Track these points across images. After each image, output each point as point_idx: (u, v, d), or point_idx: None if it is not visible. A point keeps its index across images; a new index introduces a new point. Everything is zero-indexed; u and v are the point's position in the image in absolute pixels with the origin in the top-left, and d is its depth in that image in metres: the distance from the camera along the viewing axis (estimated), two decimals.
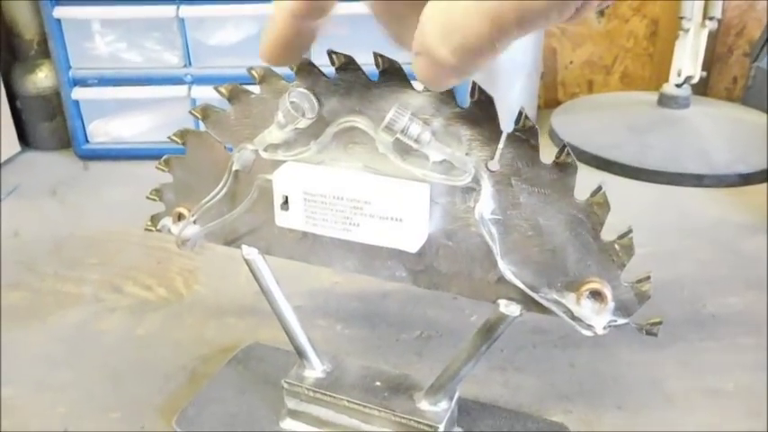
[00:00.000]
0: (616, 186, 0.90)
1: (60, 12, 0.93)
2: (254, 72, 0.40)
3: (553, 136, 1.04)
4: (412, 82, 0.36)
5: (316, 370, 0.48)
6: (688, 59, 0.98)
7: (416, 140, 0.36)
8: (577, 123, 1.06)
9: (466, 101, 0.36)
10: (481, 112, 0.35)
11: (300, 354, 0.48)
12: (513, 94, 1.04)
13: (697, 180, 0.89)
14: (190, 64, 0.97)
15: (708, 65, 1.17)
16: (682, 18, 0.97)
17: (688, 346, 0.58)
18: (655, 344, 0.58)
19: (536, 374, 0.56)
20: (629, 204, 0.84)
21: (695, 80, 1.01)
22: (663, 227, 0.79)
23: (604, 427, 0.50)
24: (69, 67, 0.97)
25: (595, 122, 1.06)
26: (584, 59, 1.26)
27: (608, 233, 0.36)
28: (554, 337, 0.59)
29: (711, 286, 0.67)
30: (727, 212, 0.83)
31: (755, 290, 0.66)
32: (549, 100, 1.28)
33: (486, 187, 0.36)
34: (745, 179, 0.89)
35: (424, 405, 0.45)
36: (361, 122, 0.38)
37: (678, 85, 1.02)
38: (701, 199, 0.86)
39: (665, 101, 1.04)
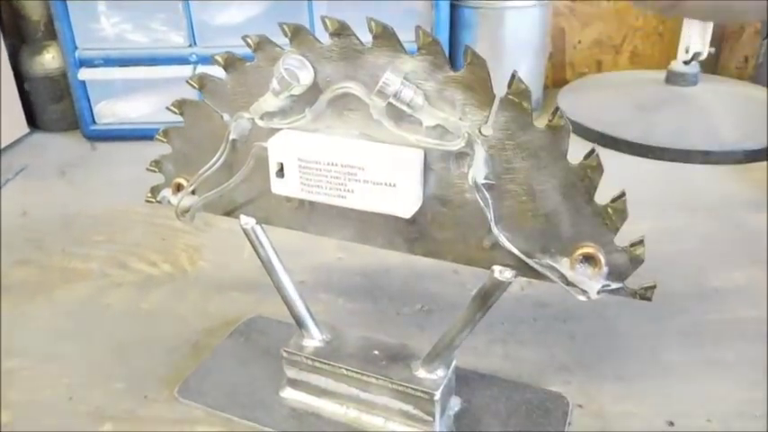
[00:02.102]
0: (623, 164, 0.89)
1: None
2: (248, 40, 0.41)
3: None
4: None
5: (315, 339, 0.48)
6: (696, 35, 0.97)
7: (409, 105, 0.36)
8: (585, 102, 1.05)
9: (459, 65, 0.35)
10: (474, 77, 0.35)
11: (300, 324, 0.49)
12: (519, 72, 1.03)
13: (703, 157, 0.88)
14: (195, 44, 0.97)
15: (718, 43, 1.15)
16: None
17: (690, 319, 0.58)
18: (656, 316, 0.58)
19: (536, 347, 0.56)
20: (636, 181, 0.84)
21: (703, 57, 1.00)
22: (669, 203, 0.78)
23: (604, 397, 0.50)
24: (75, 48, 0.97)
25: (602, 101, 1.05)
26: (593, 39, 1.25)
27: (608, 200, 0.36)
28: (555, 311, 0.59)
29: (716, 260, 0.66)
30: (733, 189, 0.82)
31: (759, 264, 0.65)
32: (558, 80, 1.27)
33: (480, 152, 0.36)
34: (752, 156, 0.88)
35: (421, 373, 0.45)
36: (354, 88, 0.38)
37: (686, 63, 1.01)
38: (708, 175, 0.86)
39: (672, 78, 1.03)
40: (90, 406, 0.50)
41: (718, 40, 1.08)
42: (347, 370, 0.46)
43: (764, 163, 0.88)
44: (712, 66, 1.17)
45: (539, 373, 0.53)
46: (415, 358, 0.46)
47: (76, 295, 0.65)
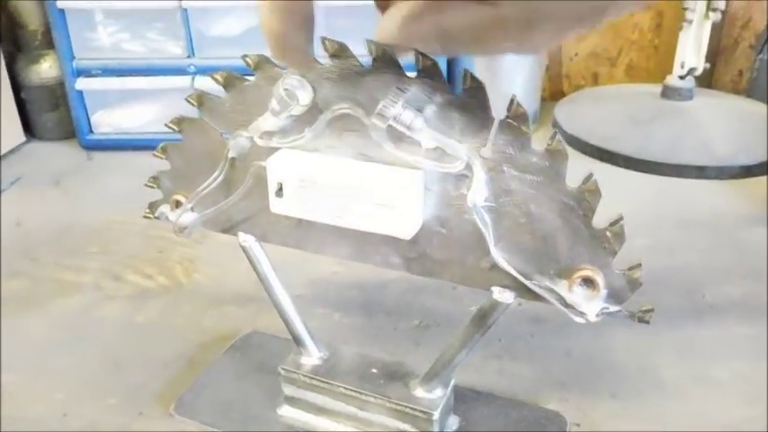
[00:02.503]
0: (619, 178, 0.90)
1: (64, 2, 0.94)
2: (248, 59, 0.41)
3: (557, 127, 1.04)
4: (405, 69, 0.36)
5: (312, 357, 0.48)
6: (691, 51, 0.97)
7: (409, 127, 0.36)
8: (581, 115, 1.06)
9: (458, 88, 0.36)
10: (473, 99, 0.35)
11: (297, 341, 0.48)
12: (514, 87, 1.03)
13: (699, 171, 0.88)
14: (193, 54, 0.97)
15: (713, 57, 1.16)
16: (685, 9, 0.96)
17: (685, 335, 0.58)
18: (652, 333, 0.58)
19: (533, 363, 0.56)
20: (632, 196, 0.84)
21: (699, 72, 1.00)
22: (664, 218, 0.78)
23: (600, 415, 0.50)
24: (73, 58, 0.97)
25: (599, 114, 1.06)
26: (589, 51, 1.26)
27: (605, 223, 0.36)
28: (552, 327, 0.59)
29: (711, 276, 0.67)
30: (729, 204, 0.82)
31: (755, 280, 0.66)
32: (555, 92, 1.27)
33: (479, 174, 0.36)
34: (747, 171, 0.89)
35: (419, 392, 0.45)
36: (354, 109, 0.38)
37: (681, 77, 1.01)
38: (703, 190, 0.86)
39: (668, 93, 1.04)
40: (83, 421, 0.50)
41: (712, 54, 1.09)
42: (345, 388, 0.46)
43: (760, 178, 0.89)
44: (707, 80, 1.17)
45: (535, 389, 0.53)
46: (414, 377, 0.46)
47: (70, 308, 0.64)
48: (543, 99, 1.18)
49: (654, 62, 1.25)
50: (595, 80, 1.28)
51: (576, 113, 1.07)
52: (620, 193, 0.87)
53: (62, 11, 0.94)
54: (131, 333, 0.61)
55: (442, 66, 0.97)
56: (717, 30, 1.05)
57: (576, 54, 1.26)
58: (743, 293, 0.64)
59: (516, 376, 0.54)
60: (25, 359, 0.57)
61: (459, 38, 0.28)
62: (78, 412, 0.51)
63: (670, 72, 1.04)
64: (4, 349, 0.58)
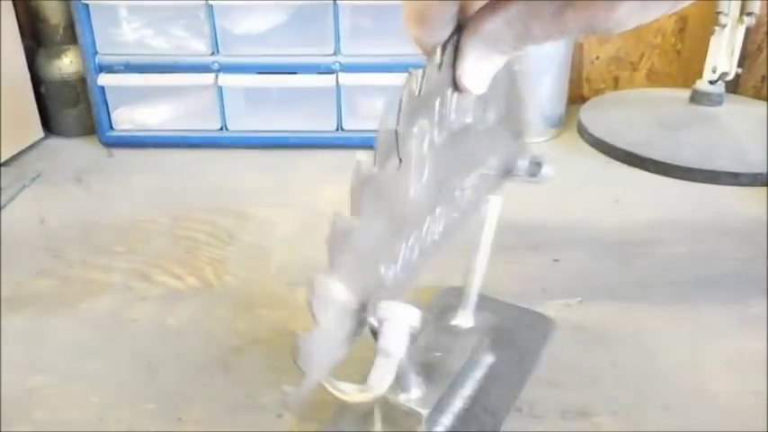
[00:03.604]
0: (650, 183, 0.88)
1: None
2: None
3: (582, 131, 1.03)
4: None
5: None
6: (724, 55, 0.96)
7: None
8: (607, 119, 1.04)
9: None
10: None
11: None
12: (542, 86, 1.02)
13: (732, 178, 0.87)
14: (217, 52, 0.96)
15: (738, 62, 1.15)
16: (719, 13, 0.95)
17: (731, 346, 0.57)
18: (698, 344, 0.57)
19: (578, 375, 0.54)
20: (665, 202, 0.83)
21: (730, 77, 0.99)
22: (700, 225, 0.77)
23: (652, 427, 0.49)
24: (96, 53, 0.96)
25: (626, 118, 1.04)
26: (611, 55, 1.24)
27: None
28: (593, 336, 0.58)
29: (753, 286, 0.65)
30: (763, 211, 0.81)
31: None
32: (574, 95, 1.26)
33: None
34: None
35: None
36: None
37: (712, 82, 1.00)
38: (737, 197, 0.85)
39: (697, 97, 1.02)
40: (121, 426, 0.49)
41: (739, 59, 1.08)
42: None
43: None
44: (733, 85, 1.16)
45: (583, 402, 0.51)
46: None
47: (100, 309, 0.63)
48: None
49: (676, 67, 1.24)
50: (616, 84, 1.26)
51: (602, 117, 1.05)
52: (654, 199, 0.87)
53: (86, 5, 0.93)
54: (164, 335, 0.59)
55: None
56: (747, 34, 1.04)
57: (598, 57, 1.25)
58: None
59: (562, 386, 0.53)
60: (58, 361, 0.56)
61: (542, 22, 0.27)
62: (115, 416, 0.50)
63: (693, 77, 1.03)
64: (35, 350, 0.57)
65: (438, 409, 0.44)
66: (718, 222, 0.78)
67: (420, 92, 0.31)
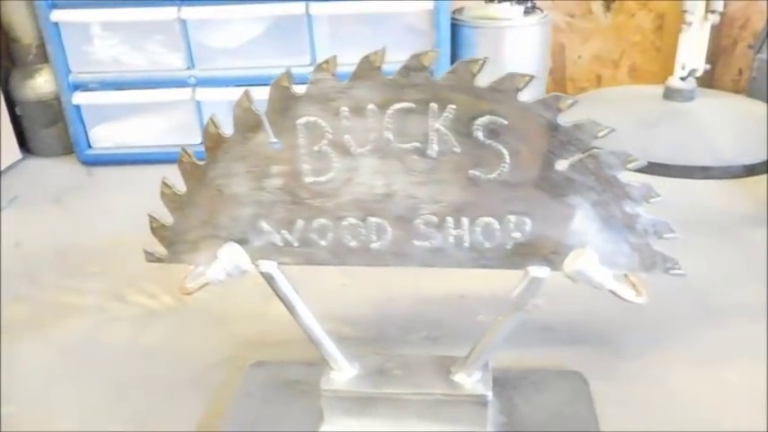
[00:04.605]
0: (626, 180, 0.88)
1: (58, 15, 0.92)
2: None
3: None
4: None
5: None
6: (692, 53, 0.97)
7: None
8: (587, 117, 1.05)
9: None
10: None
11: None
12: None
13: (704, 172, 0.88)
14: (193, 66, 0.96)
15: (713, 57, 1.15)
16: (684, 12, 0.96)
17: (695, 339, 0.58)
18: (661, 337, 0.57)
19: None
20: None
21: (699, 73, 1.00)
22: (670, 219, 0.77)
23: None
24: (69, 72, 0.96)
25: (602, 117, 1.03)
26: (593, 54, 1.25)
27: None
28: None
29: (719, 278, 0.66)
30: (733, 203, 0.82)
31: (763, 281, 0.65)
32: None
33: None
34: (751, 170, 0.89)
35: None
36: None
37: (683, 79, 1.01)
38: (708, 190, 0.86)
39: (670, 94, 1.03)
40: None
41: (712, 55, 1.08)
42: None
43: (762, 176, 0.88)
44: (708, 80, 1.17)
45: None
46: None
47: (72, 333, 0.63)
48: None
49: (656, 64, 1.24)
50: (599, 82, 1.27)
51: (583, 116, 1.06)
52: None
53: (56, 24, 0.93)
54: (135, 356, 0.59)
55: (446, 58, 0.95)
56: (716, 30, 1.05)
57: (580, 57, 1.25)
58: (749, 294, 0.63)
59: None
60: (28, 388, 0.55)
61: None
62: None
63: (672, 73, 1.04)
64: (6, 379, 0.56)
65: None
66: (686, 215, 0.78)
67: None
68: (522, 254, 0.41)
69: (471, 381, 0.46)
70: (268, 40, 0.96)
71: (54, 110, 1.01)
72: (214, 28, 0.96)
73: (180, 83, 0.96)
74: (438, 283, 0.65)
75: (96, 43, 0.96)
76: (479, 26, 1.00)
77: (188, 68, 0.96)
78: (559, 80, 1.26)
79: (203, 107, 0.97)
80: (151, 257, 0.46)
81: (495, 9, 1.00)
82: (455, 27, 1.00)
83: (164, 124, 1.00)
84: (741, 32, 1.20)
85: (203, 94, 0.96)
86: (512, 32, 1.00)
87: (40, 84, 1.01)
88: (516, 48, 1.01)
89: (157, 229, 0.45)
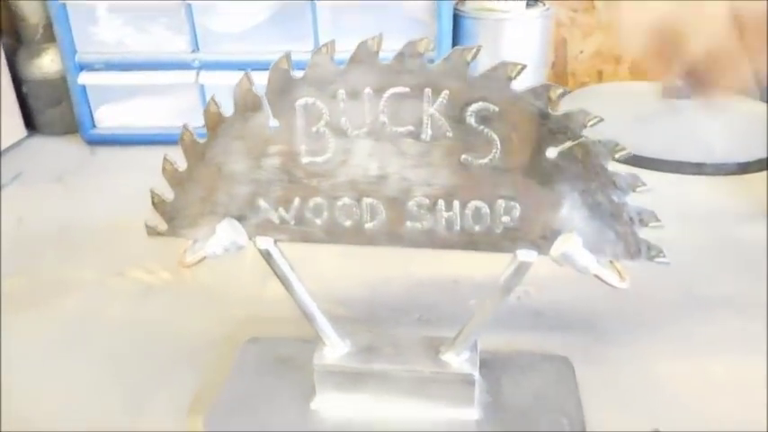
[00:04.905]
0: None
1: None
2: None
3: None
4: None
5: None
6: None
7: None
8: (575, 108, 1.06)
9: None
10: None
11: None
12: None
13: (697, 168, 0.89)
14: (198, 49, 0.97)
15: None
16: None
17: (681, 331, 0.59)
18: (648, 328, 0.59)
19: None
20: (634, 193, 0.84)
21: None
22: (662, 214, 0.79)
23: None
24: (75, 52, 0.97)
25: (600, 112, 1.05)
26: (594, 49, 1.26)
27: None
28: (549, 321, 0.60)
29: (707, 271, 0.67)
30: (726, 200, 0.83)
31: (751, 276, 0.66)
32: None
33: None
34: (745, 167, 0.90)
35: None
36: None
37: None
38: (701, 187, 0.87)
39: (666, 91, 1.04)
40: (84, 420, 0.50)
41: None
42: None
43: (756, 174, 0.90)
44: None
45: None
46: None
47: (69, 307, 0.64)
48: None
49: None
50: (600, 77, 1.28)
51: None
52: None
53: (63, 5, 0.94)
54: (133, 331, 0.60)
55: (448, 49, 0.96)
56: None
57: (582, 52, 1.26)
58: (738, 289, 0.64)
59: None
60: (27, 361, 0.57)
61: None
62: (82, 415, 0.51)
63: None
64: (5, 352, 0.58)
65: None
66: (679, 211, 0.80)
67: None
68: (510, 238, 0.43)
69: (459, 360, 0.47)
70: (272, 27, 0.97)
71: (59, 89, 1.03)
72: (219, 12, 0.97)
73: (184, 66, 0.97)
74: (431, 268, 0.66)
75: (102, 24, 0.97)
76: (481, 17, 1.01)
77: (192, 52, 0.97)
78: (561, 74, 1.27)
79: (207, 90, 0.98)
80: (152, 231, 0.47)
81: (497, 1, 1.01)
82: (457, 18, 1.01)
83: (167, 106, 1.01)
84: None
85: (207, 77, 0.97)
86: (513, 24, 1.01)
87: (47, 63, 1.02)
88: (517, 40, 1.02)
89: (158, 203, 0.46)
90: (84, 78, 0.98)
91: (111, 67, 0.98)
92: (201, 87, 0.98)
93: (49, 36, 1.00)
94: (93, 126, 1.02)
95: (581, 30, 1.24)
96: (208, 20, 0.97)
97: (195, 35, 0.96)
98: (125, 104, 1.02)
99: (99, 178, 0.93)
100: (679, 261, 0.62)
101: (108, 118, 1.02)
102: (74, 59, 0.97)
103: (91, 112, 1.01)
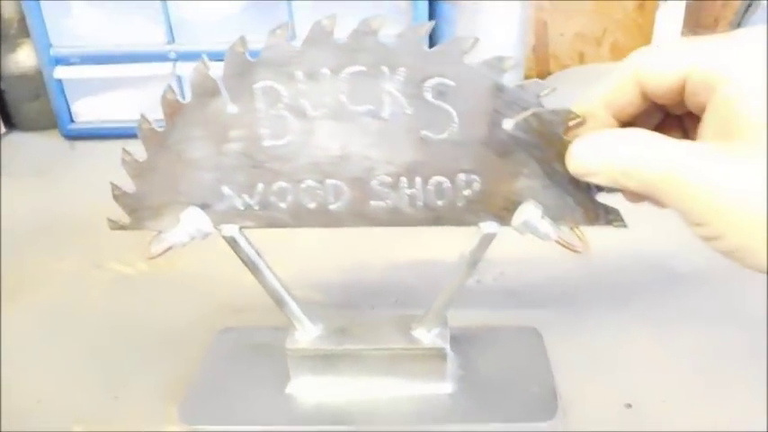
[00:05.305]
0: None
1: None
2: None
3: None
4: None
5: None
6: (669, 30, 0.98)
7: None
8: (565, 96, 1.06)
9: None
10: None
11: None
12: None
13: None
14: (173, 41, 0.97)
15: (693, 36, 1.16)
16: None
17: (655, 307, 0.59)
18: (621, 305, 0.59)
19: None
20: None
21: None
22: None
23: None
24: (50, 46, 0.96)
25: (583, 94, 1.05)
26: (576, 31, 1.25)
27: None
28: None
29: (678, 246, 0.67)
30: None
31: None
32: (542, 72, 1.27)
33: None
34: None
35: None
36: None
37: None
38: None
39: None
40: (59, 408, 0.51)
41: (692, 33, 1.09)
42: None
43: None
44: None
45: None
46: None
47: (47, 299, 0.64)
48: (529, 78, 1.18)
49: (639, 42, 1.25)
50: (582, 59, 1.28)
51: (561, 94, 1.07)
52: None
53: None
54: (113, 323, 0.60)
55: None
56: (696, 9, 1.05)
57: (563, 34, 1.26)
58: (708, 262, 0.64)
59: None
60: (4, 355, 0.57)
61: None
62: (61, 405, 0.51)
63: None
64: None
65: None
66: None
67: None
68: (473, 211, 0.43)
69: (430, 336, 0.48)
70: (248, 16, 0.97)
71: (37, 84, 1.02)
72: (194, 2, 0.96)
73: (161, 57, 0.97)
74: (408, 252, 0.66)
75: (77, 17, 0.96)
76: (459, 2, 1.00)
77: (168, 43, 0.97)
78: (542, 57, 1.27)
79: (185, 81, 0.98)
80: (114, 225, 0.47)
81: None
82: (433, 3, 1.00)
83: (145, 98, 1.01)
84: (722, 10, 1.20)
85: (184, 68, 0.97)
86: (491, 7, 1.00)
87: (23, 58, 1.01)
88: (496, 24, 1.02)
89: (120, 196, 0.46)
90: (60, 72, 0.97)
91: (87, 60, 0.97)
92: (179, 79, 0.97)
93: (25, 30, 0.99)
94: (72, 120, 1.01)
95: (562, 12, 1.23)
96: (183, 10, 0.96)
97: (170, 26, 0.96)
98: (103, 98, 1.01)
99: (78, 172, 0.92)
100: (652, 234, 0.63)
101: (86, 112, 1.01)
102: (49, 53, 0.96)
103: (68, 106, 1.00)
